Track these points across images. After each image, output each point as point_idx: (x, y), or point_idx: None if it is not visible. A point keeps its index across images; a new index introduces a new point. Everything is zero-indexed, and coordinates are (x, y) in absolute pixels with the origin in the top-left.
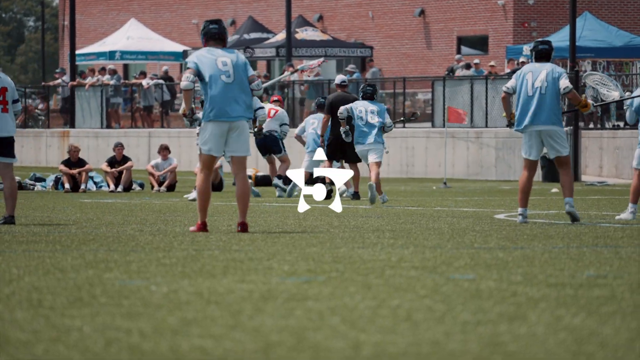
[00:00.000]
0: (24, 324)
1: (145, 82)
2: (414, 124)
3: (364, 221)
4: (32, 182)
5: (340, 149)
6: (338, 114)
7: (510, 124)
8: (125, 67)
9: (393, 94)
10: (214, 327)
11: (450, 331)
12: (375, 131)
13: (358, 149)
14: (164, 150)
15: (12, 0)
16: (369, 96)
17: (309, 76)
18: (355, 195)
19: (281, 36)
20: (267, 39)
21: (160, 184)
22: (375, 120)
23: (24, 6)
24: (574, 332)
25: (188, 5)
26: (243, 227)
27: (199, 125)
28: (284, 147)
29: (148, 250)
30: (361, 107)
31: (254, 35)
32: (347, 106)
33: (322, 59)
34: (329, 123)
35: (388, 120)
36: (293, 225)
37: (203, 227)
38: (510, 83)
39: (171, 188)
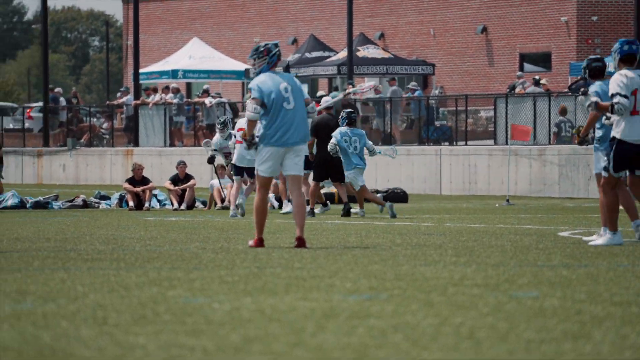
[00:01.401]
0: (89, 341)
1: (207, 101)
2: (476, 142)
3: (426, 239)
4: (97, 200)
5: (326, 170)
6: (329, 149)
7: (583, 142)
8: (188, 86)
9: (455, 111)
10: (276, 345)
11: (514, 349)
12: (361, 156)
13: (349, 175)
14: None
15: (77, 20)
16: (353, 122)
17: (360, 98)
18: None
19: (342, 54)
20: (329, 57)
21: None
22: (358, 145)
23: (89, 26)
24: None
25: (250, 24)
26: (300, 242)
27: (256, 149)
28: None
29: (211, 268)
30: (346, 138)
31: (315, 53)
32: (333, 141)
33: (373, 83)
34: (314, 145)
35: (369, 143)
36: (355, 243)
37: (260, 243)
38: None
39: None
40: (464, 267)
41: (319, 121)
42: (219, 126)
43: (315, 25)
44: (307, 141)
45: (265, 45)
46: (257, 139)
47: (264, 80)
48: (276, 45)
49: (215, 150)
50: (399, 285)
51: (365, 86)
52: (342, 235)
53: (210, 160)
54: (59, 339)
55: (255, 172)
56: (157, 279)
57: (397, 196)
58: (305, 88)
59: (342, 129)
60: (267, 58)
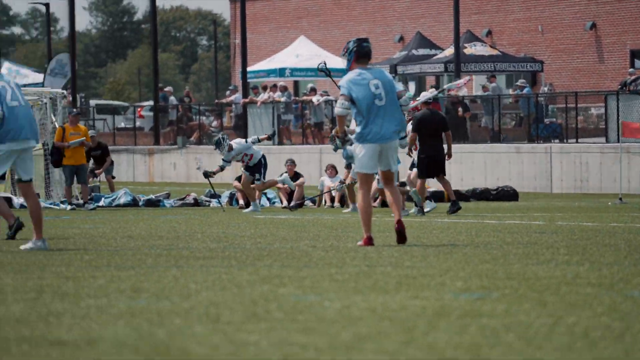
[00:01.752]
0: (203, 339)
1: (315, 99)
2: (587, 139)
3: (538, 237)
4: (207, 199)
5: (431, 166)
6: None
7: None
8: (296, 84)
9: (565, 109)
10: (388, 343)
11: (630, 349)
12: None
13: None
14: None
15: (185, 20)
16: None
17: (456, 94)
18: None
19: (449, 51)
20: (435, 54)
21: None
22: None
23: (197, 25)
24: None
25: (356, 22)
26: (400, 225)
27: (350, 144)
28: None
29: (321, 266)
30: None
31: (422, 51)
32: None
33: (467, 78)
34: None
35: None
36: (465, 241)
37: (369, 242)
38: None
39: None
40: (576, 266)
41: (421, 117)
42: (214, 147)
43: (422, 23)
44: (402, 136)
45: (347, 43)
46: (349, 136)
47: (352, 78)
48: (359, 41)
49: (227, 162)
50: (511, 285)
51: (460, 81)
52: (452, 234)
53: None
54: (174, 336)
55: (356, 171)
56: (268, 276)
57: (507, 194)
58: (412, 86)
59: None
60: (347, 55)
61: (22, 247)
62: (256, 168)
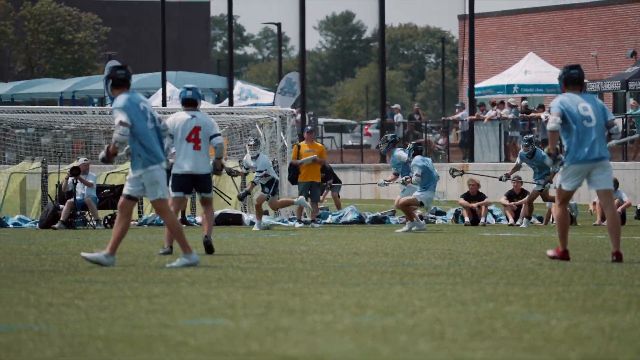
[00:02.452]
0: (427, 356)
1: (543, 116)
2: None
3: None
4: (432, 216)
5: None
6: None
7: None
8: (523, 101)
9: None
10: None
11: None
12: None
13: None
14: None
15: (414, 37)
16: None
17: None
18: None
19: None
20: None
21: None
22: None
23: (425, 43)
24: None
25: (587, 38)
26: (618, 257)
27: (561, 164)
28: None
29: (548, 284)
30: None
31: None
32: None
33: None
34: None
35: None
36: None
37: (564, 255)
38: None
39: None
40: None
41: None
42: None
43: None
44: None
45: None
46: (560, 155)
47: (563, 100)
48: (568, 68)
49: (247, 168)
50: None
51: None
52: None
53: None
54: (398, 353)
55: (555, 187)
56: (494, 294)
57: None
58: None
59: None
60: (560, 80)
61: (168, 264)
62: (268, 184)
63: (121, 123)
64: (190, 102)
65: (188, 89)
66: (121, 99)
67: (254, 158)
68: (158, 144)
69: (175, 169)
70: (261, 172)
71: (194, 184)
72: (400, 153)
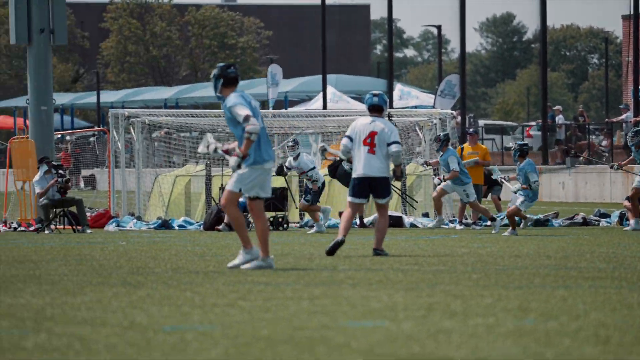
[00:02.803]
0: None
1: None
2: None
3: None
4: (596, 218)
5: None
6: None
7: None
8: None
9: None
10: None
11: None
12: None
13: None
14: None
15: (576, 38)
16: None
17: None
18: None
19: None
20: None
21: None
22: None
23: (588, 44)
24: None
25: None
26: None
27: None
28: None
29: None
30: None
31: None
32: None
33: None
34: None
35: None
36: None
37: None
38: None
39: None
40: None
41: None
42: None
43: None
44: None
45: None
46: None
47: None
48: None
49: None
50: None
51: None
52: None
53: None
54: (561, 357)
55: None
56: None
57: None
58: None
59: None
60: None
61: (244, 266)
62: (310, 189)
63: (247, 116)
64: (376, 109)
65: (374, 95)
66: (235, 96)
67: (295, 158)
68: (267, 143)
69: (353, 173)
70: (313, 168)
71: (371, 189)
72: (452, 157)
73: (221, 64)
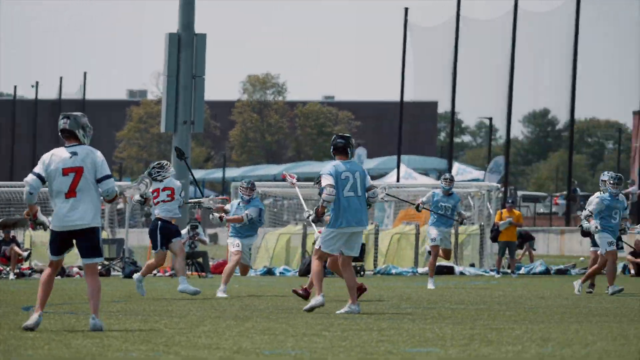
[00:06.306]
0: None
1: None
2: None
3: None
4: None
5: None
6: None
7: None
8: None
9: None
10: None
11: None
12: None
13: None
14: None
15: (596, 127)
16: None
17: None
18: None
19: None
20: None
21: None
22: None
23: (605, 132)
24: None
25: None
26: None
27: None
28: None
29: None
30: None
31: None
32: None
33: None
34: None
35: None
36: None
37: None
38: None
39: None
40: None
41: None
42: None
43: None
44: None
45: None
46: None
47: None
48: None
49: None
50: None
51: None
52: None
53: None
54: None
55: None
56: None
57: None
58: None
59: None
60: None
61: (338, 311)
62: None
63: (329, 186)
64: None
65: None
66: (329, 165)
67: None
68: (347, 210)
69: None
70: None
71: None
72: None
73: (337, 134)
